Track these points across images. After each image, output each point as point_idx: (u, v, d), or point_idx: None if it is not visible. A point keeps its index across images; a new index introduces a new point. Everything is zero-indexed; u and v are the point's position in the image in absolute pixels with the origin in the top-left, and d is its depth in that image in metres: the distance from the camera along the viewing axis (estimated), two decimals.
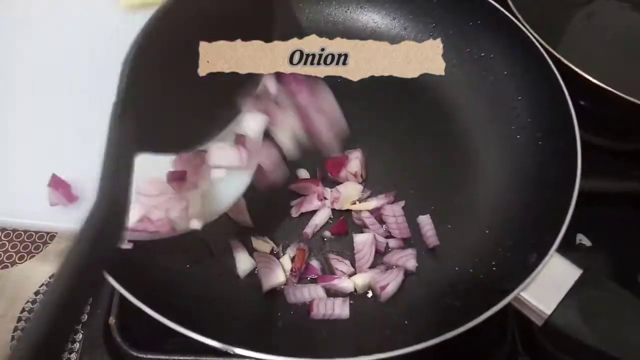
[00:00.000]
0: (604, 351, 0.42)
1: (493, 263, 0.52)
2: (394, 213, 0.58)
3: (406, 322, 0.49)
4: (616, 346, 0.42)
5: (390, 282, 0.52)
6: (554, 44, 0.64)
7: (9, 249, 0.71)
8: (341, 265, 0.55)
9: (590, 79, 0.63)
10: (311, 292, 0.52)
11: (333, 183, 0.61)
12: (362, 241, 0.56)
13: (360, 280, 0.54)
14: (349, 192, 0.60)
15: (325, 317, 0.51)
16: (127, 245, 0.46)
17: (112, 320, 0.53)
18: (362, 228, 0.59)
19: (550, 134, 0.58)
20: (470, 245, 0.56)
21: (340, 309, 0.51)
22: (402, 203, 0.60)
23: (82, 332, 0.62)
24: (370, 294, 0.54)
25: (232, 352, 0.41)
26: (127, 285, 0.45)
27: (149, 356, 0.52)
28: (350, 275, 0.55)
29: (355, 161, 0.61)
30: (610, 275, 0.64)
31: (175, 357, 0.52)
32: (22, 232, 0.72)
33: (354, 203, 0.60)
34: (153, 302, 0.44)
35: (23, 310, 0.66)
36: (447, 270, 0.55)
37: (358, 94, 0.69)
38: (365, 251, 0.56)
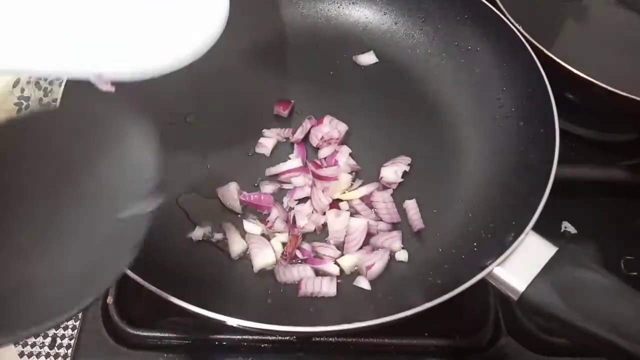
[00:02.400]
0: (578, 325, 0.44)
1: (475, 244, 0.54)
2: (384, 199, 0.60)
3: (390, 299, 0.51)
4: (588, 319, 0.44)
5: (376, 262, 0.54)
6: (540, 37, 0.66)
7: None
8: (327, 250, 0.57)
9: (574, 70, 0.65)
10: (300, 272, 0.54)
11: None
12: (356, 226, 0.58)
13: (348, 261, 0.56)
14: (339, 182, 0.62)
15: (313, 295, 0.53)
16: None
17: (110, 300, 0.56)
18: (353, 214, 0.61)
19: (531, 123, 0.60)
20: (453, 228, 0.58)
21: (328, 287, 0.53)
22: (391, 190, 0.62)
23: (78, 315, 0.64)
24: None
25: (223, 322, 0.43)
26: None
27: (146, 334, 0.54)
28: (336, 259, 0.57)
29: (345, 154, 0.64)
30: (595, 263, 0.65)
31: (171, 335, 0.54)
32: None
33: (344, 192, 0.62)
34: (151, 279, 0.46)
35: None
36: (430, 252, 0.57)
37: (348, 87, 0.71)
38: (356, 235, 0.58)
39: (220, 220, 0.59)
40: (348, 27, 0.76)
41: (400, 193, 0.62)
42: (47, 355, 0.65)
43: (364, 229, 0.58)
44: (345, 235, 0.57)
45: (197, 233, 0.57)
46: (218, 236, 0.58)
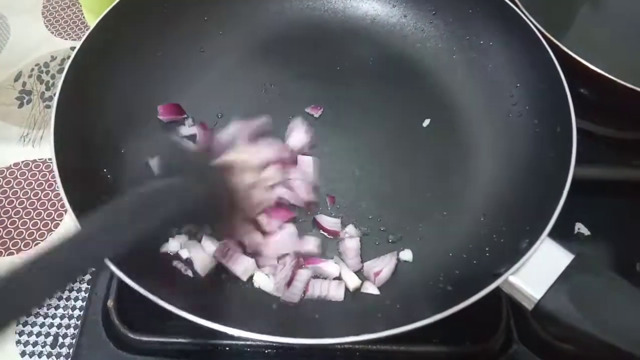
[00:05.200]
0: (595, 335, 0.42)
1: (487, 249, 0.52)
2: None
3: (398, 306, 0.50)
4: (607, 331, 0.42)
5: (383, 268, 0.53)
6: (555, 31, 0.63)
7: (15, 236, 0.72)
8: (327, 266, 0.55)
9: (591, 66, 0.62)
10: (303, 278, 0.53)
11: None
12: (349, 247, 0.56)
13: (351, 282, 0.54)
14: None
15: (321, 298, 0.52)
16: None
17: (110, 304, 0.55)
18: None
19: (546, 121, 0.58)
20: (464, 232, 0.56)
21: (335, 291, 0.52)
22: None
23: (81, 314, 0.64)
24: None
25: (227, 333, 0.42)
26: (130, 274, 0.46)
27: (147, 338, 0.53)
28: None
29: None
30: (609, 265, 0.64)
31: (172, 339, 0.53)
32: (28, 220, 0.73)
33: None
34: (151, 288, 0.45)
35: None
36: (441, 257, 0.55)
37: (355, 81, 0.69)
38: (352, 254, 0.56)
39: None
40: (355, 20, 0.74)
41: (409, 195, 0.60)
42: (49, 354, 0.64)
43: (357, 248, 0.56)
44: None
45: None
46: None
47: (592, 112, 0.71)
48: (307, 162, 0.60)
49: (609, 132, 0.74)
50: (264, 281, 0.53)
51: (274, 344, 0.52)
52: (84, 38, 0.59)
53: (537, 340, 0.54)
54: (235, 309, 0.49)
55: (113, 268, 0.45)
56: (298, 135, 0.62)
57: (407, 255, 0.56)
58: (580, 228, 0.66)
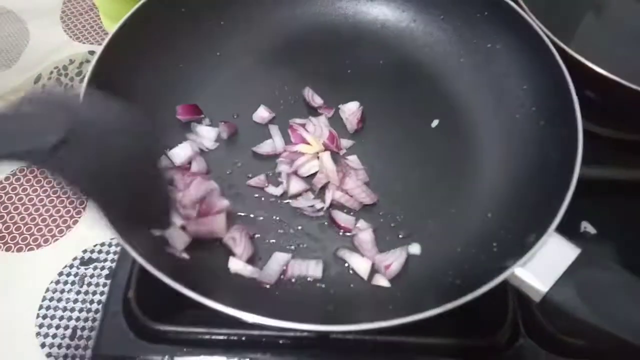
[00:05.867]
0: (602, 328, 0.43)
1: (494, 244, 0.53)
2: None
3: (409, 298, 0.51)
4: (614, 324, 0.43)
5: (393, 262, 0.54)
6: (561, 34, 0.64)
7: (35, 232, 0.74)
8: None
9: (596, 68, 0.63)
10: (279, 261, 0.55)
11: None
12: (364, 239, 0.58)
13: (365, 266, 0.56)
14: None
15: (300, 277, 0.54)
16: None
17: (131, 294, 0.56)
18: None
19: (553, 122, 0.59)
20: (473, 228, 0.57)
21: (314, 270, 0.54)
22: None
23: (99, 307, 0.66)
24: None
25: (242, 319, 0.43)
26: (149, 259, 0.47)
27: (166, 328, 0.55)
28: None
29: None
30: (615, 263, 0.65)
31: (191, 329, 0.55)
32: (47, 217, 0.75)
33: None
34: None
35: (47, 290, 0.69)
36: (450, 252, 0.56)
37: (365, 85, 0.71)
38: (367, 246, 0.57)
39: None
40: (366, 24, 0.76)
41: (418, 192, 0.62)
42: (68, 346, 0.66)
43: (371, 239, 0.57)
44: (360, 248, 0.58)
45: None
46: None
47: (598, 113, 0.72)
48: (355, 161, 0.63)
49: (614, 134, 0.75)
50: (236, 266, 0.55)
51: (288, 334, 0.54)
52: (105, 43, 0.61)
53: (543, 334, 0.55)
54: (238, 292, 0.51)
55: (136, 257, 0.46)
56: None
57: (415, 248, 0.57)
58: (587, 227, 0.67)
